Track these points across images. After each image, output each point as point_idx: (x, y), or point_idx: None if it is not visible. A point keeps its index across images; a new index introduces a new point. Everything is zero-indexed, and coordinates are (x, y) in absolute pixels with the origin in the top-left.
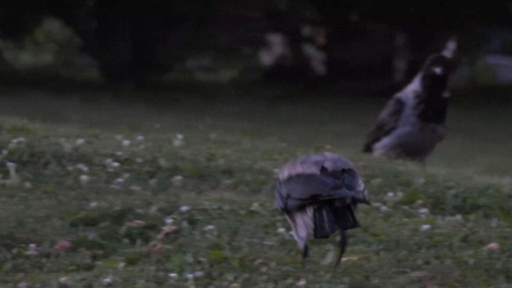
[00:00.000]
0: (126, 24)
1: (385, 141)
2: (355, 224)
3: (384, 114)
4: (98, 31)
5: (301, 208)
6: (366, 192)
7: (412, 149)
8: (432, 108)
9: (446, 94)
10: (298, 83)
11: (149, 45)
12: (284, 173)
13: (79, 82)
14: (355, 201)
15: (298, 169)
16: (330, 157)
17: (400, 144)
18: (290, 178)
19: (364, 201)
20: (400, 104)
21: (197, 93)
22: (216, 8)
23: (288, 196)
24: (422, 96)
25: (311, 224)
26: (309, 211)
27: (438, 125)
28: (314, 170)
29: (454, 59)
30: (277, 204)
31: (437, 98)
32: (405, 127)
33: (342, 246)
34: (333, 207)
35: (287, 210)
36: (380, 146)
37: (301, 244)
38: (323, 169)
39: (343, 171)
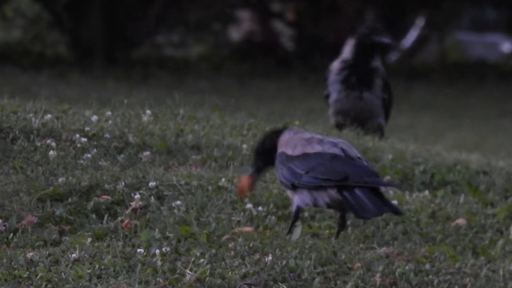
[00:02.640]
0: (97, 0)
1: (330, 108)
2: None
3: None
4: (68, 7)
5: (319, 187)
6: None
7: (350, 116)
8: (357, 75)
9: (374, 64)
10: (268, 59)
11: (119, 21)
12: (294, 149)
13: (48, 57)
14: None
15: (316, 147)
16: (340, 141)
17: (336, 111)
18: (306, 156)
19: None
20: (329, 71)
21: (167, 69)
22: None
23: (307, 173)
24: (348, 63)
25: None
26: (332, 192)
27: (365, 92)
28: (336, 151)
29: (424, 35)
30: (284, 179)
31: (364, 66)
32: (334, 94)
33: (341, 226)
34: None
35: (297, 186)
36: (329, 114)
37: (294, 207)
38: (344, 151)
39: (359, 158)
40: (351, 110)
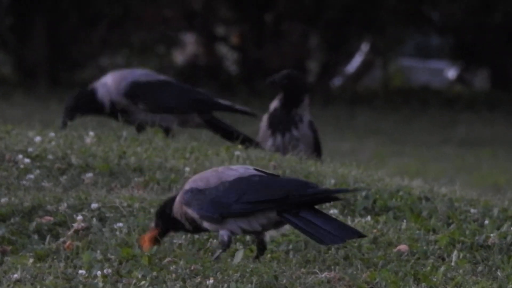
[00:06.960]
0: (42, 22)
1: None
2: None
3: None
4: (13, 28)
5: (249, 214)
6: None
7: None
8: None
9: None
10: (212, 83)
11: (64, 43)
12: (208, 182)
13: None
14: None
15: (232, 173)
16: (245, 166)
17: None
18: (227, 183)
19: None
20: None
21: None
22: (131, 7)
23: (238, 200)
24: None
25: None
26: (271, 215)
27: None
28: (254, 172)
29: (368, 61)
30: (208, 212)
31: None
32: None
33: (262, 251)
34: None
35: (225, 216)
36: None
37: (225, 236)
38: (260, 171)
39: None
40: None
